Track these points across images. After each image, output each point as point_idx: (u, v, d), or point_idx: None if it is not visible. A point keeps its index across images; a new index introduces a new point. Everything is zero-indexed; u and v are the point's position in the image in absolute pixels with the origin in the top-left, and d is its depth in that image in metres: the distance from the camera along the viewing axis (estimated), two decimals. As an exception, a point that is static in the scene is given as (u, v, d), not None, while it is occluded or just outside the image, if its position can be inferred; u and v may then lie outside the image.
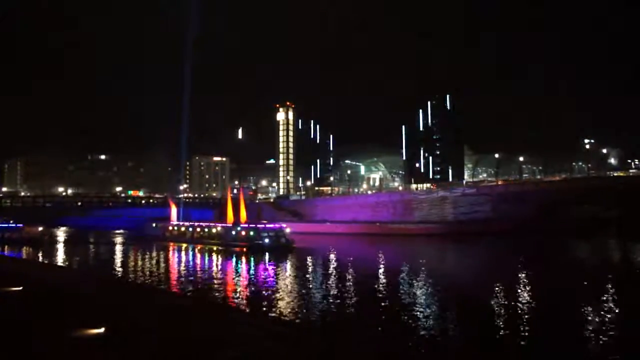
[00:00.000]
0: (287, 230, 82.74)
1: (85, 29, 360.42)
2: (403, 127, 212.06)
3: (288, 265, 63.32)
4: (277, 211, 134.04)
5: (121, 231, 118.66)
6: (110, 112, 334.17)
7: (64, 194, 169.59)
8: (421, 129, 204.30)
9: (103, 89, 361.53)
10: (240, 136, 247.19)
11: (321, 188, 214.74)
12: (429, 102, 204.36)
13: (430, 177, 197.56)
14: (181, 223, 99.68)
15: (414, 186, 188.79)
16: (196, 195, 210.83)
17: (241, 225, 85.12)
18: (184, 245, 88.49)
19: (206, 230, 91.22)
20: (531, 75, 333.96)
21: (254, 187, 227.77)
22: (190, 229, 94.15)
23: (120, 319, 20.85)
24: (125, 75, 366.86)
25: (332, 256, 71.37)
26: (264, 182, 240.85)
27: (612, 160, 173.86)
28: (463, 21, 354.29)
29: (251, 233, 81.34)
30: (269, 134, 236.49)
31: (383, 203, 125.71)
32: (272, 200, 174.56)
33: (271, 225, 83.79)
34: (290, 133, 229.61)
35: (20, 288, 27.32)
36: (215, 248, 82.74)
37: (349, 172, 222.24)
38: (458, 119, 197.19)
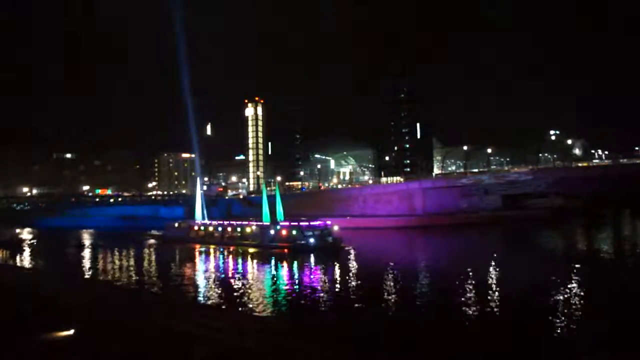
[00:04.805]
0: (335, 227, 75.61)
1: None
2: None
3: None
4: (248, 207, 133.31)
5: (91, 231, 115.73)
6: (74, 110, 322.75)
7: (28, 194, 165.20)
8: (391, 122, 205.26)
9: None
10: (209, 132, 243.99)
11: (291, 183, 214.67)
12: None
13: (400, 170, 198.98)
14: (209, 222, 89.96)
15: (383, 179, 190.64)
16: (165, 192, 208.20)
17: (281, 224, 76.91)
18: (212, 247, 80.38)
19: (239, 229, 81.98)
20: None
21: (223, 184, 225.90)
22: (220, 229, 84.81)
23: (93, 322, 20.65)
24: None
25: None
26: (233, 178, 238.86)
27: (577, 151, 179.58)
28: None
29: (293, 232, 73.49)
30: (238, 129, 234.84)
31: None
32: (241, 196, 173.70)
33: (316, 223, 74.69)
34: (260, 128, 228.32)
35: None
36: (250, 250, 75.00)
37: (318, 166, 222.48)
38: (427, 112, 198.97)
